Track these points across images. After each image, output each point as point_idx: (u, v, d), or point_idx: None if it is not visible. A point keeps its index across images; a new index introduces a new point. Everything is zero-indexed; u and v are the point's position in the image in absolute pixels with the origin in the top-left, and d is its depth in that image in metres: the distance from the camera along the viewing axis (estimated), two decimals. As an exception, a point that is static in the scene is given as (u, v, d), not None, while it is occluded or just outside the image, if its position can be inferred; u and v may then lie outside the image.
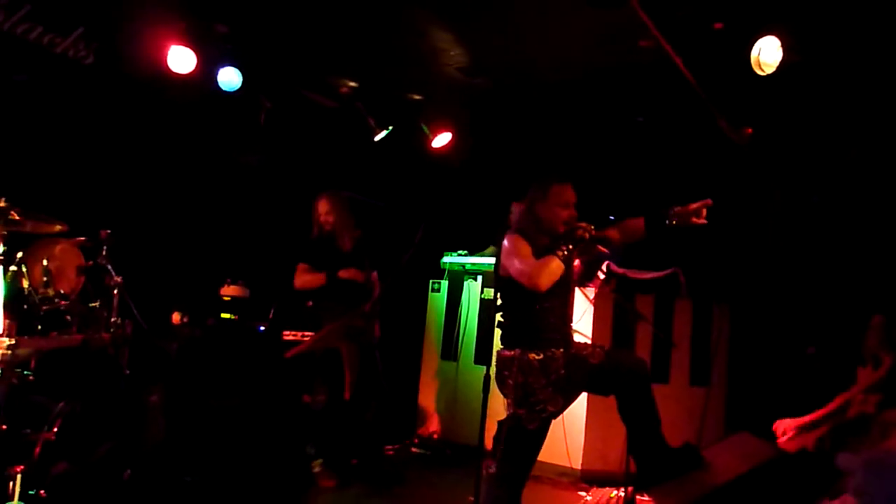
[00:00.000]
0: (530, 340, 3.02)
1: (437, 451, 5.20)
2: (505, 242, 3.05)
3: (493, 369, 3.03)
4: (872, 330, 3.34)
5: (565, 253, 2.99)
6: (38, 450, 2.82)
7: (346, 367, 4.28)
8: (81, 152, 4.29)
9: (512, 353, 3.02)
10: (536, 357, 2.99)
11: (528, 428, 2.96)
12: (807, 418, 3.24)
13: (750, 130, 4.55)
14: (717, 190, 5.09)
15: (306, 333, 4.50)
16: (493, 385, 3.02)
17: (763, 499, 2.80)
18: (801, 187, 4.86)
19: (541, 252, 3.04)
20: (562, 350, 3.04)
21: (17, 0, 4.02)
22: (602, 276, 4.77)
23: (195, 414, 3.95)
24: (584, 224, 3.06)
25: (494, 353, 3.10)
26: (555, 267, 2.96)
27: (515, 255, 3.03)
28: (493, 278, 3.17)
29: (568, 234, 3.05)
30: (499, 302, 3.10)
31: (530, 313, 3.04)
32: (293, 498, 3.97)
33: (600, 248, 3.24)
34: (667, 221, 3.13)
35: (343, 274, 4.30)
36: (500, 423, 3.05)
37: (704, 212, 3.10)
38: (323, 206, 4.43)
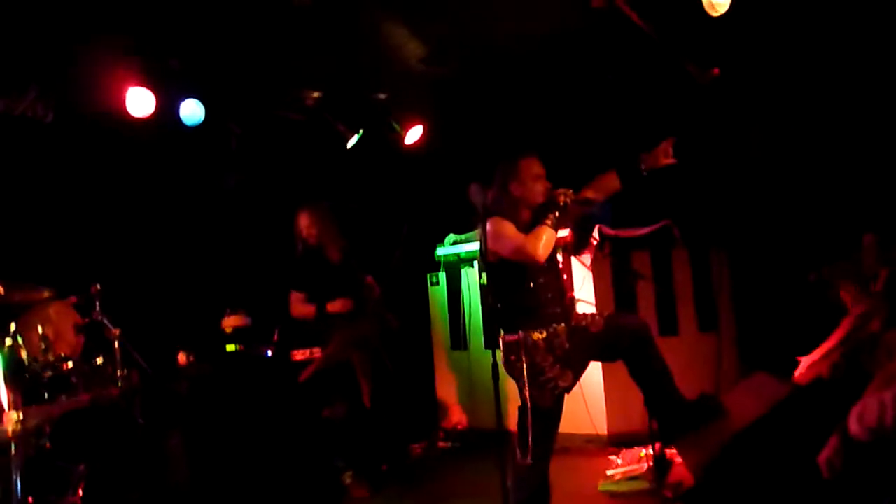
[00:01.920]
0: (531, 320, 3.03)
1: (464, 441, 5.22)
2: (488, 226, 3.02)
3: (499, 355, 3.04)
4: (867, 250, 3.34)
5: (554, 220, 3.02)
6: (66, 515, 2.83)
7: (360, 376, 4.30)
8: (57, 211, 4.27)
9: (515, 336, 3.02)
10: (540, 336, 3.00)
11: (543, 407, 2.99)
12: (818, 352, 3.24)
13: (717, 71, 4.52)
14: (695, 135, 5.11)
15: (315, 350, 4.50)
16: (502, 370, 3.04)
17: (786, 435, 2.81)
18: (778, 119, 4.84)
19: (526, 227, 3.06)
20: (563, 325, 3.05)
21: (-34, 72, 3.99)
22: (595, 241, 4.76)
23: (218, 450, 3.96)
24: (562, 190, 3.09)
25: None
26: (548, 235, 3.00)
27: (504, 235, 3.03)
28: (481, 266, 3.18)
29: (550, 202, 3.08)
30: (491, 288, 3.09)
31: (526, 293, 3.05)
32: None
33: (585, 208, 3.31)
34: (638, 168, 3.16)
35: (332, 308, 4.28)
36: (517, 409, 3.07)
37: (671, 150, 3.14)
38: (304, 221, 4.39)
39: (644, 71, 5.00)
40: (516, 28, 4.60)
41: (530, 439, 3.00)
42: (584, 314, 3.26)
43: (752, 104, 4.81)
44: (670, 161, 3.15)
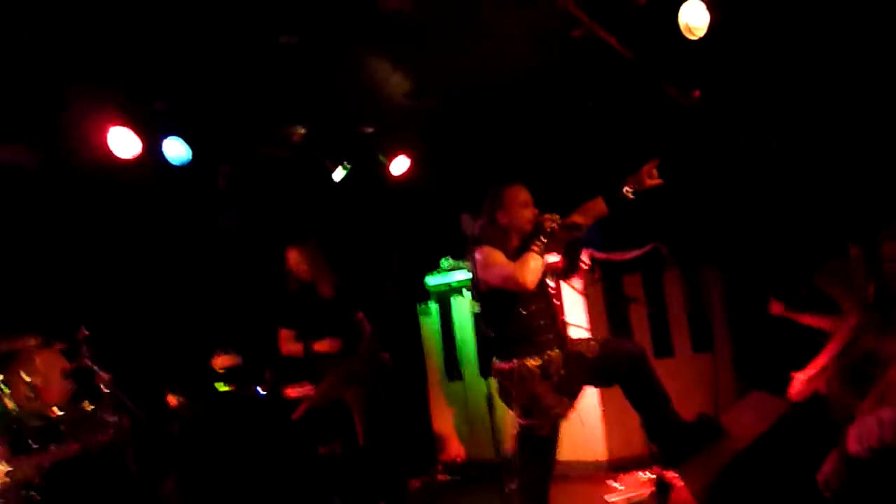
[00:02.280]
0: (525, 348, 2.99)
1: (463, 473, 5.15)
2: (477, 256, 3.04)
3: (493, 384, 3.03)
4: (854, 263, 3.35)
5: (541, 247, 3.00)
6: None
7: (354, 412, 4.23)
8: (39, 256, 4.23)
9: (510, 364, 2.99)
10: (535, 363, 2.96)
11: (540, 435, 2.95)
12: (812, 367, 3.23)
13: (698, 93, 4.59)
14: (681, 156, 5.16)
15: (307, 386, 4.45)
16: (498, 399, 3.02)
17: (786, 453, 2.79)
18: (761, 136, 4.90)
19: (515, 255, 3.04)
20: (557, 351, 3.02)
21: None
22: (586, 266, 4.77)
23: (214, 491, 3.88)
24: (548, 216, 3.07)
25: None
26: (535, 262, 2.97)
27: (492, 264, 3.02)
28: (473, 296, 3.18)
29: (537, 229, 3.06)
30: (483, 316, 3.14)
31: (518, 321, 3.01)
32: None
33: (573, 233, 3.31)
34: (623, 191, 3.16)
35: (319, 347, 4.25)
36: (512, 437, 3.03)
37: (655, 172, 3.15)
38: (293, 258, 4.37)
39: (626, 96, 5.06)
40: (498, 61, 4.66)
41: (521, 465, 3.01)
42: (579, 339, 3.25)
43: (736, 122, 4.87)
44: (656, 182, 3.16)
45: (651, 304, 4.74)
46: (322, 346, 4.25)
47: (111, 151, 4.37)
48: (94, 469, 3.25)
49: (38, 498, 2.84)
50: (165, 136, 4.65)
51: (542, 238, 3.01)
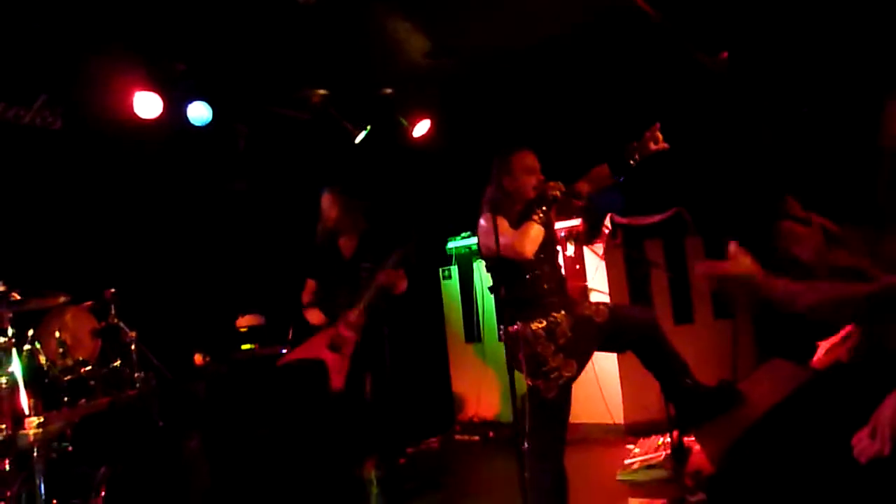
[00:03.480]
0: (530, 311, 3.02)
1: (481, 434, 5.23)
2: (481, 222, 3.08)
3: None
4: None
5: (541, 215, 3.01)
6: (90, 517, 2.85)
7: (331, 378, 3.93)
8: (68, 217, 4.29)
9: (515, 327, 3.02)
10: (540, 326, 2.99)
11: (549, 398, 2.96)
12: (836, 337, 3.21)
13: (726, 54, 4.48)
14: (707, 121, 5.06)
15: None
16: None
17: (807, 421, 2.78)
18: (789, 101, 4.79)
19: (518, 221, 3.05)
20: (563, 313, 3.04)
21: (-27, 82, 4.02)
22: (607, 230, 4.74)
23: (237, 451, 3.98)
24: (552, 183, 3.06)
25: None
26: (535, 232, 2.98)
27: (492, 232, 3.01)
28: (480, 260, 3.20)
29: (540, 196, 3.05)
30: (492, 280, 3.15)
31: (523, 284, 3.04)
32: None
33: (576, 202, 3.26)
34: (628, 157, 3.14)
35: (311, 319, 4.14)
36: (521, 398, 3.05)
37: (659, 135, 3.11)
38: (325, 202, 4.23)
39: (652, 59, 4.96)
40: (523, 21, 4.58)
41: (531, 427, 3.01)
42: (589, 303, 3.24)
43: (764, 87, 4.76)
44: (662, 147, 3.12)
45: (672, 269, 4.72)
46: (312, 318, 4.13)
47: (133, 112, 4.39)
48: (121, 424, 3.34)
49: (71, 450, 2.94)
50: (186, 97, 4.66)
51: (543, 207, 3.02)
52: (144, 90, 4.40)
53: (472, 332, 5.45)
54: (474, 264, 5.40)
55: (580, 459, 4.35)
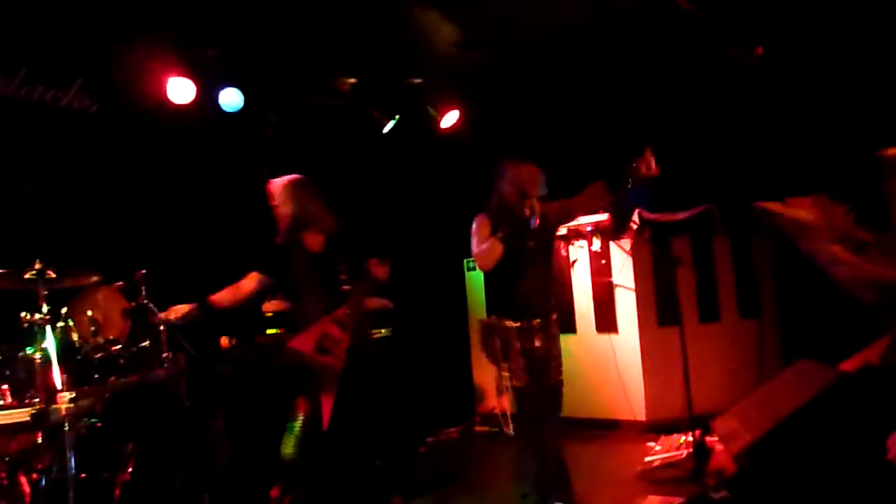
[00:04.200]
0: (508, 308, 3.21)
1: (500, 425, 5.24)
2: (474, 222, 3.29)
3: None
4: None
5: (504, 235, 3.14)
6: (117, 492, 2.92)
7: (324, 391, 3.33)
8: (102, 199, 4.37)
9: (489, 319, 3.27)
10: (513, 325, 3.17)
11: (516, 385, 3.19)
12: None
13: (760, 50, 4.41)
14: (737, 119, 4.99)
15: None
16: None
17: (832, 423, 2.75)
18: (819, 98, 4.70)
19: (493, 233, 3.22)
20: (539, 321, 3.19)
21: (13, 65, 4.10)
22: (635, 226, 4.71)
23: (260, 431, 4.02)
24: (528, 202, 3.11)
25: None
26: (493, 248, 3.13)
27: (474, 235, 3.28)
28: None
29: (512, 215, 3.16)
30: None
31: (506, 284, 3.22)
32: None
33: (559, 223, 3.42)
34: (623, 179, 3.14)
35: (268, 307, 4.06)
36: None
37: (651, 160, 3.07)
38: (284, 192, 3.50)
39: (684, 53, 4.90)
40: (553, 11, 4.55)
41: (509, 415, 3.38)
42: (553, 341, 3.29)
43: (794, 85, 4.68)
44: (653, 174, 3.06)
45: (699, 267, 4.67)
46: (270, 305, 3.98)
47: (166, 97, 4.46)
48: (149, 402, 3.41)
49: (100, 425, 3.01)
50: (218, 83, 4.71)
51: (511, 225, 3.13)
52: (178, 76, 4.46)
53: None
54: (499, 257, 5.39)
55: (601, 455, 4.35)
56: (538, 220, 3.12)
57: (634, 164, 3.08)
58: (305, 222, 3.47)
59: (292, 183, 3.52)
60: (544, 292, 3.26)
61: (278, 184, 3.52)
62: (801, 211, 2.58)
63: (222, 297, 3.51)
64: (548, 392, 3.19)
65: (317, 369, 3.31)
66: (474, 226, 3.29)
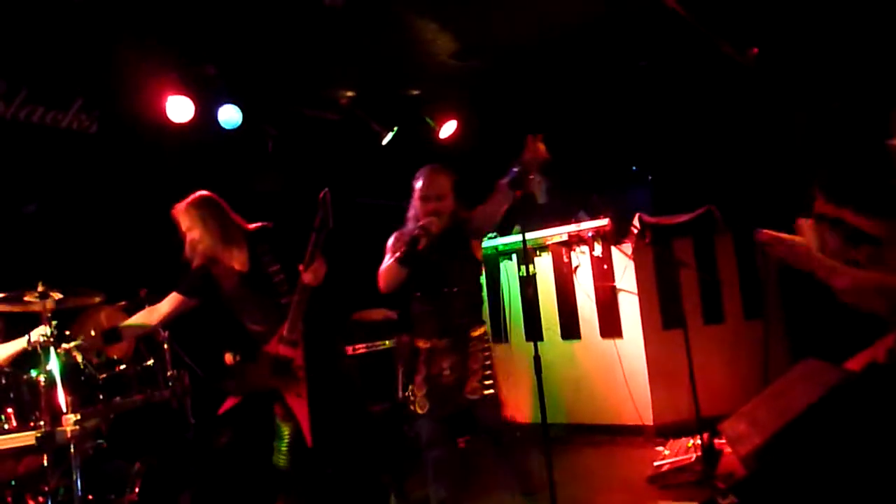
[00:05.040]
0: (420, 327, 3.10)
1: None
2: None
3: (540, 346, 3.04)
4: None
5: (402, 256, 2.97)
6: (124, 512, 2.92)
7: (294, 410, 3.18)
8: (103, 219, 4.39)
9: (398, 337, 3.29)
10: (424, 345, 3.04)
11: (417, 412, 3.09)
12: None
13: (756, 50, 4.41)
14: (736, 118, 4.99)
15: (358, 347, 4.51)
16: (546, 362, 3.03)
17: (841, 423, 2.73)
18: (820, 96, 4.70)
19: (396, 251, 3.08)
20: (448, 340, 3.04)
21: (14, 87, 4.13)
22: (636, 230, 4.70)
23: (267, 447, 4.02)
24: (426, 220, 2.99)
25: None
26: (388, 271, 3.02)
27: (386, 250, 3.15)
28: (520, 258, 3.22)
29: (412, 235, 3.00)
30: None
31: (418, 301, 3.10)
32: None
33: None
34: (520, 172, 2.99)
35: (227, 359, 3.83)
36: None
37: (538, 147, 2.93)
38: (182, 221, 3.23)
39: (679, 53, 4.91)
40: (546, 16, 4.56)
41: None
42: (485, 364, 3.15)
43: (794, 83, 4.68)
44: (541, 156, 2.95)
45: (702, 268, 4.65)
46: (227, 358, 3.77)
47: (166, 116, 4.48)
48: (155, 421, 3.41)
49: (106, 446, 3.01)
50: (217, 100, 4.74)
51: (409, 246, 2.96)
52: (177, 94, 4.48)
53: (500, 333, 5.44)
54: (501, 265, 5.39)
55: (609, 461, 4.33)
56: (436, 228, 2.97)
57: (522, 161, 2.97)
58: (219, 242, 3.19)
59: (194, 203, 3.23)
60: (459, 308, 3.07)
61: (181, 207, 3.23)
62: (796, 237, 2.57)
63: (134, 320, 3.31)
64: (464, 414, 3.08)
65: (280, 389, 3.20)
66: (389, 243, 3.19)
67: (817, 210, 2.71)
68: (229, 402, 3.27)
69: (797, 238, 2.56)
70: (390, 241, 3.17)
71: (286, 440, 3.26)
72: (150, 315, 3.31)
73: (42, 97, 4.25)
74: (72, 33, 4.02)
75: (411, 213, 3.14)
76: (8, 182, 4.04)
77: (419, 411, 3.06)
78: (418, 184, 3.12)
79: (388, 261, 3.08)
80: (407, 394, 3.09)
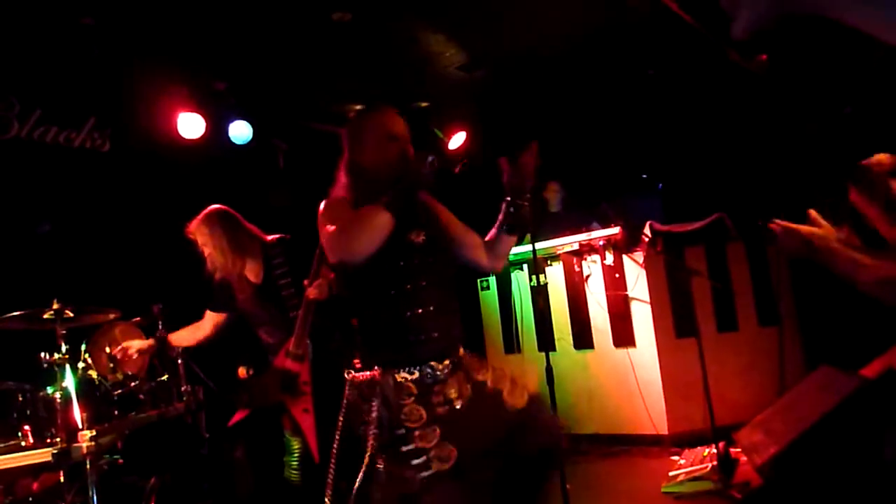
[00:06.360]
0: (392, 352, 2.08)
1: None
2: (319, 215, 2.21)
3: (553, 356, 2.99)
4: None
5: (394, 198, 2.02)
6: (140, 528, 2.93)
7: (301, 426, 3.19)
8: (117, 236, 4.43)
9: (366, 374, 2.07)
10: (409, 377, 2.02)
11: (408, 491, 1.90)
12: None
13: (765, 57, 4.41)
14: (745, 124, 4.98)
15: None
16: (559, 373, 2.99)
17: (857, 431, 2.70)
18: (831, 102, 4.68)
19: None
20: (447, 362, 2.09)
21: (27, 107, 4.19)
22: (647, 238, 4.69)
23: (281, 461, 4.03)
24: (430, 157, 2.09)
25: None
26: (377, 219, 2.00)
27: (325, 220, 2.13)
28: (531, 268, 3.07)
29: (407, 173, 2.10)
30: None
31: (385, 309, 2.10)
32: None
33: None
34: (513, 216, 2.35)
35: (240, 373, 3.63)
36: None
37: (528, 159, 2.28)
38: (197, 238, 3.27)
39: (686, 61, 4.91)
40: (553, 28, 4.59)
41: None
42: (495, 372, 2.20)
43: (804, 89, 4.66)
44: (532, 161, 2.28)
45: (714, 276, 4.63)
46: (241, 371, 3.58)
47: (177, 132, 4.54)
48: (170, 436, 3.43)
49: (121, 462, 3.02)
50: (227, 116, 4.79)
51: (409, 186, 2.05)
52: (188, 111, 4.54)
53: (512, 343, 5.43)
54: (512, 274, 5.39)
55: (624, 471, 4.30)
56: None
57: (514, 168, 2.34)
58: (231, 254, 3.18)
59: (204, 220, 3.24)
60: (447, 321, 2.20)
61: (193, 226, 3.27)
62: (808, 227, 2.53)
63: (180, 336, 3.50)
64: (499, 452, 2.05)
65: (286, 403, 3.19)
66: (321, 212, 2.19)
67: (851, 199, 2.65)
68: (239, 415, 3.33)
69: (812, 228, 2.50)
70: (322, 210, 2.30)
71: (296, 455, 3.25)
72: (195, 333, 3.46)
73: (55, 117, 4.32)
74: (83, 53, 4.09)
75: (365, 161, 2.29)
76: (22, 202, 4.10)
77: (437, 467, 1.90)
78: (372, 124, 2.42)
79: (347, 218, 2.14)
80: (405, 450, 1.95)
